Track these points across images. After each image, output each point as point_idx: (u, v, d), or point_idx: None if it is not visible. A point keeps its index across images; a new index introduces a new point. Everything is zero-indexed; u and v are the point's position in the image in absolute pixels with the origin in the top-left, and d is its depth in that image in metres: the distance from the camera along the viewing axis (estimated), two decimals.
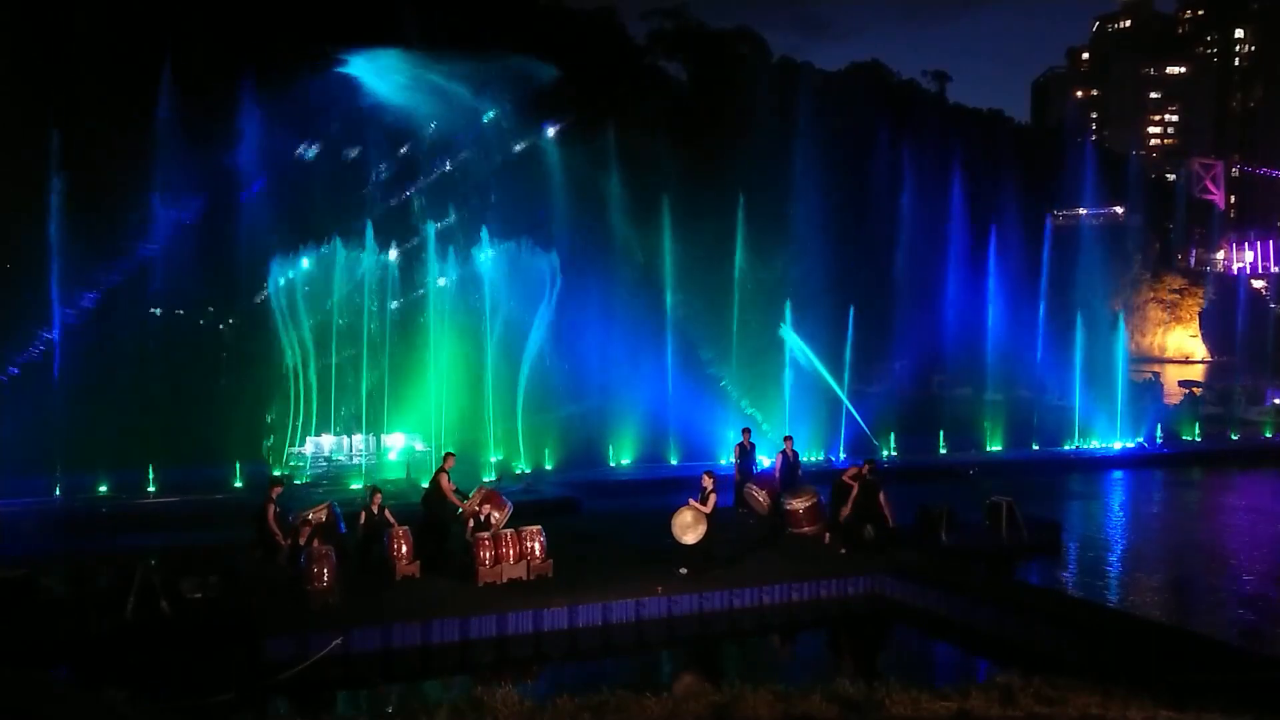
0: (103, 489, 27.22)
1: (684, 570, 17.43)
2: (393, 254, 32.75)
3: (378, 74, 37.66)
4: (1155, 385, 48.26)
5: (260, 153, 34.67)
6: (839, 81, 66.64)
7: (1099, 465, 38.26)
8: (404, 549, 17.51)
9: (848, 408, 36.32)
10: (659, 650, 16.50)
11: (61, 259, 29.31)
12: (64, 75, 33.37)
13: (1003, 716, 10.58)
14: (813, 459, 33.81)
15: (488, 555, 17.04)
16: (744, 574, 17.98)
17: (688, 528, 17.75)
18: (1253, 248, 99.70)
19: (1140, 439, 41.41)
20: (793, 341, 35.40)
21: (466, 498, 18.42)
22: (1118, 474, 37.22)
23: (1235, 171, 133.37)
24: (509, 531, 17.51)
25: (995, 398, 41.94)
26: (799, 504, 20.63)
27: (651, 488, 29.53)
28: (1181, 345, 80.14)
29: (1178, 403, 50.33)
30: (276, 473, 29.41)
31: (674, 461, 33.96)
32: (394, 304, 31.83)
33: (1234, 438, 44.89)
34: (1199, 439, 43.89)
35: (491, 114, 36.25)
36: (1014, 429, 40.19)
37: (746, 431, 25.21)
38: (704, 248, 39.10)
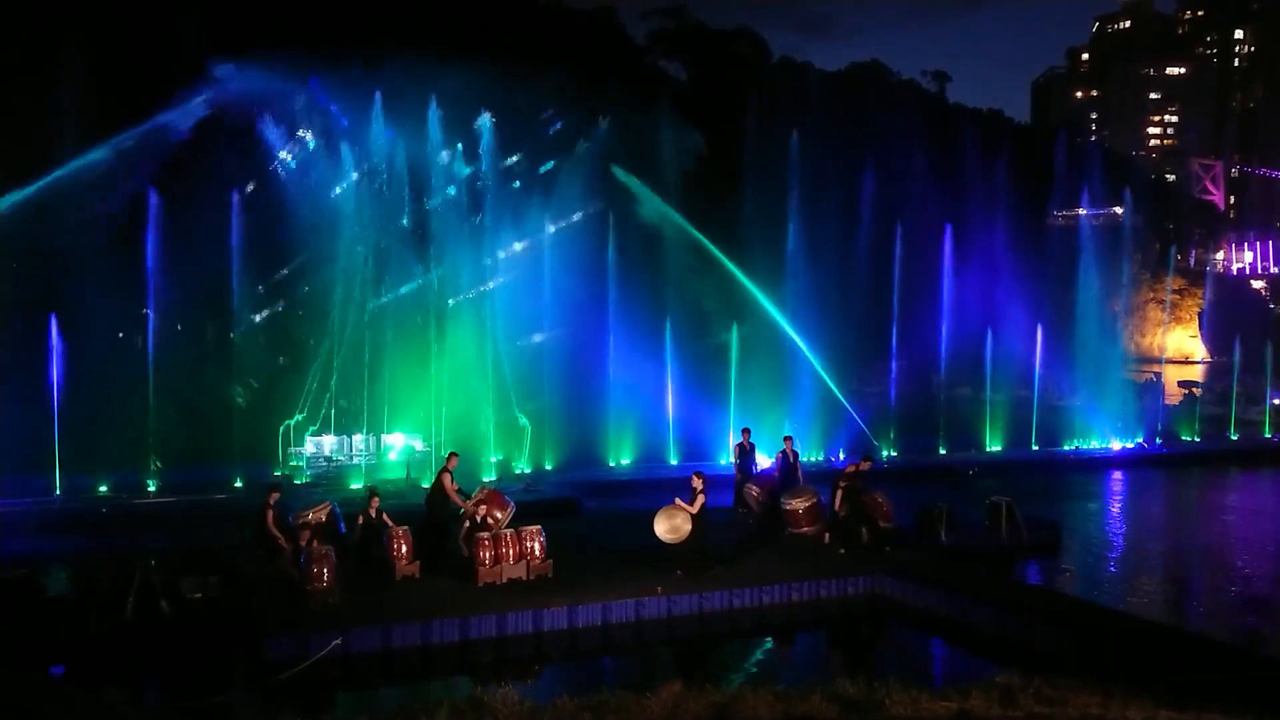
0: (103, 489, 27.23)
1: (679, 573, 17.41)
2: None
3: (377, 76, 37.65)
4: (1156, 385, 48.24)
5: (260, 160, 34.65)
6: (839, 81, 66.61)
7: (1099, 465, 38.28)
8: (404, 549, 17.51)
9: (846, 407, 36.34)
10: (659, 650, 16.51)
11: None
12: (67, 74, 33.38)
13: (1003, 716, 10.58)
14: (813, 459, 33.83)
15: (488, 555, 17.05)
16: (744, 574, 17.98)
17: (671, 529, 17.78)
18: (1253, 248, 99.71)
19: (1140, 439, 41.42)
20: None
21: (469, 497, 18.42)
22: (1117, 474, 37.24)
23: (1235, 171, 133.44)
24: (509, 532, 17.51)
25: (995, 398, 41.93)
26: (799, 504, 20.63)
27: (651, 488, 29.54)
28: (1181, 345, 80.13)
29: (1177, 403, 50.35)
30: (277, 472, 29.48)
31: (674, 461, 33.97)
32: (385, 298, 31.78)
33: (1233, 438, 44.91)
34: (1198, 439, 43.90)
35: (489, 119, 36.17)
36: (1014, 429, 40.19)
37: (746, 431, 25.20)
38: (703, 245, 39.03)
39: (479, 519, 17.70)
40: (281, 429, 30.50)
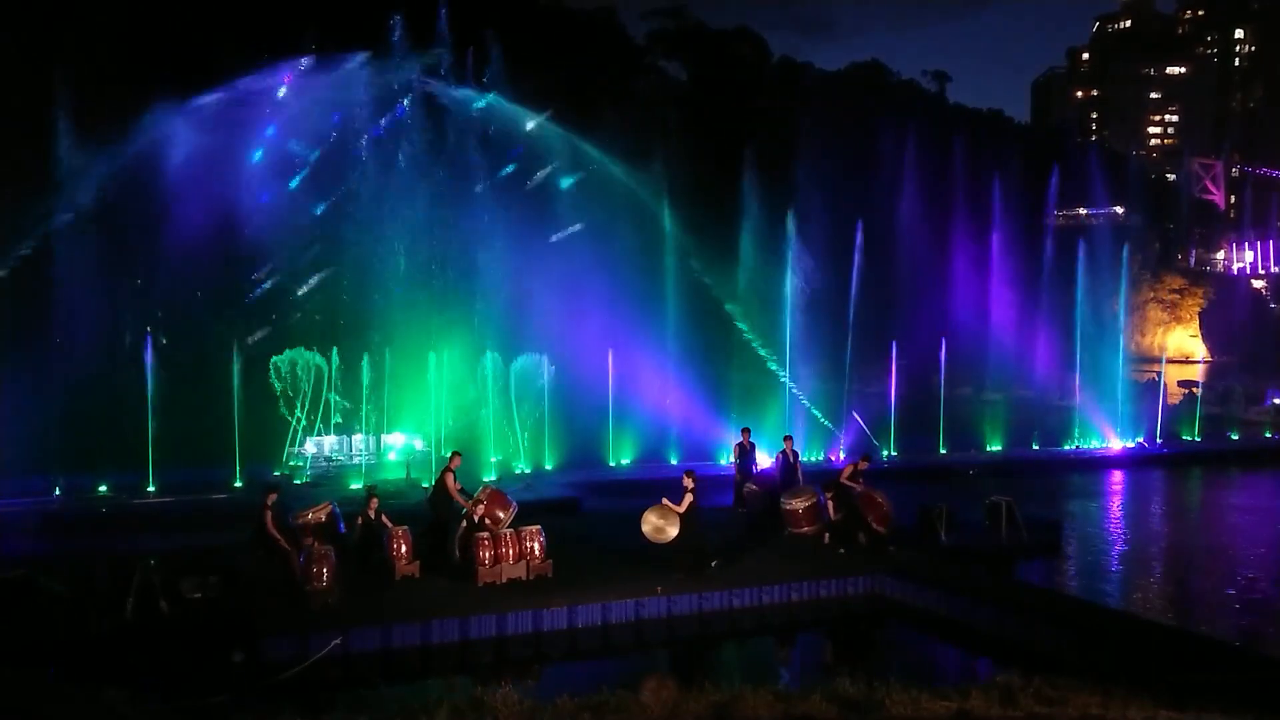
0: (103, 489, 27.21)
1: (679, 576, 17.40)
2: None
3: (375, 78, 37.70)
4: (1158, 385, 48.21)
5: (259, 160, 34.68)
6: (839, 81, 66.63)
7: (1099, 465, 38.25)
8: (404, 549, 17.51)
9: (847, 407, 36.35)
10: (658, 650, 16.50)
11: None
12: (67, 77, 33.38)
13: (1003, 716, 10.58)
14: (813, 459, 33.83)
15: (487, 555, 17.04)
16: (743, 574, 17.98)
17: (655, 529, 17.81)
18: (1253, 248, 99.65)
19: (1140, 439, 41.41)
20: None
21: (471, 497, 18.40)
22: (1117, 474, 37.22)
23: (1235, 171, 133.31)
24: (509, 531, 17.50)
25: (995, 398, 41.94)
26: (798, 504, 20.62)
27: (651, 488, 29.49)
28: (1181, 345, 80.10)
29: (1177, 402, 50.36)
30: (276, 472, 29.46)
31: (674, 461, 33.94)
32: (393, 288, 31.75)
33: (1234, 438, 44.90)
34: (1199, 439, 43.89)
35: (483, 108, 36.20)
36: (1014, 429, 40.18)
37: (746, 431, 25.19)
38: (704, 246, 39.09)
39: (476, 519, 17.68)
40: (291, 430, 30.43)
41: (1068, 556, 22.88)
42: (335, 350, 30.89)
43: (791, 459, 23.30)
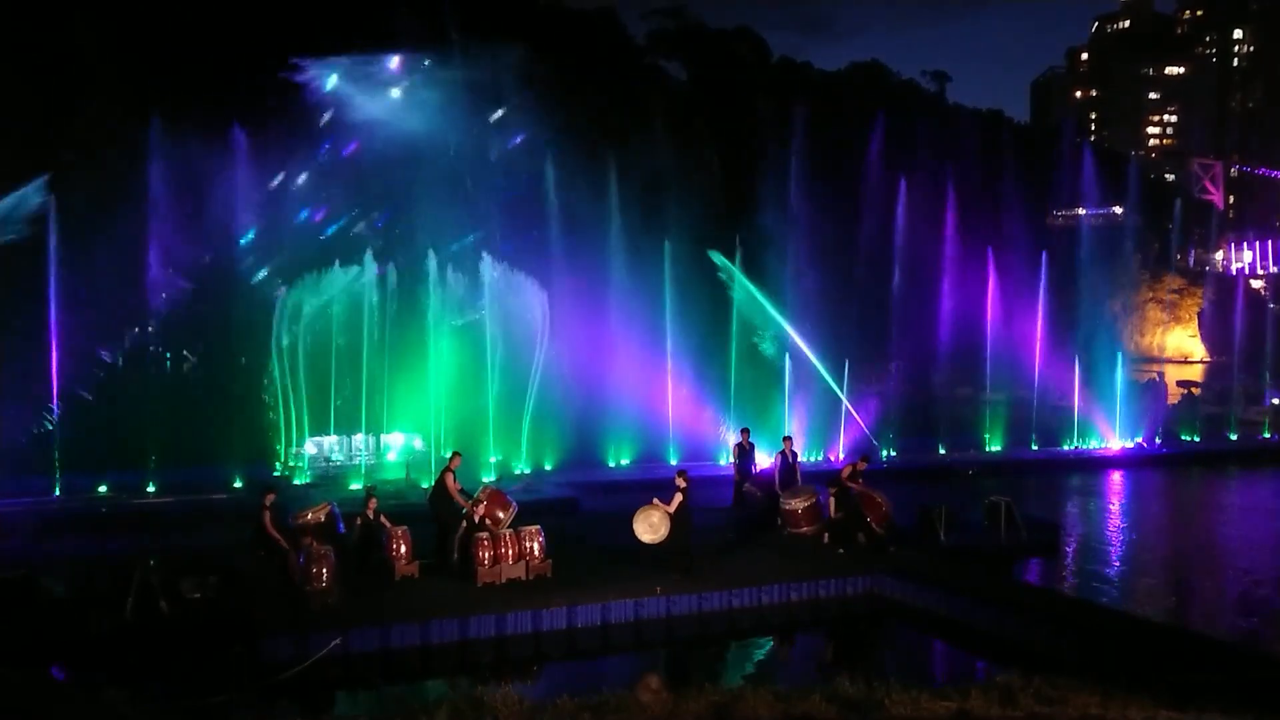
0: (103, 489, 27.22)
1: (675, 575, 17.41)
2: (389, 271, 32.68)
3: (374, 78, 37.75)
4: (1159, 385, 48.28)
5: (255, 162, 34.61)
6: (839, 81, 66.63)
7: (1098, 465, 38.27)
8: (403, 549, 17.51)
9: (848, 407, 36.34)
10: (658, 650, 16.51)
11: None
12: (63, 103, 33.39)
13: (1003, 716, 10.58)
14: (812, 459, 33.84)
15: (487, 555, 17.05)
16: (743, 574, 17.98)
17: (648, 528, 17.85)
18: (1252, 248, 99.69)
19: (1139, 439, 41.42)
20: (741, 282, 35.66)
21: (471, 497, 18.39)
22: (1117, 474, 37.23)
23: (1235, 171, 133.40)
24: (508, 532, 17.50)
25: (995, 398, 41.94)
26: (798, 504, 20.64)
27: (651, 488, 29.46)
28: (1181, 345, 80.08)
29: (1176, 402, 50.38)
30: (276, 472, 29.47)
31: (673, 461, 33.93)
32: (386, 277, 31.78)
33: (1233, 438, 44.92)
34: (1198, 439, 43.90)
35: (493, 116, 36.28)
36: (1014, 429, 40.19)
37: (745, 432, 25.20)
38: (705, 246, 39.08)
39: (476, 519, 17.68)
40: (290, 432, 30.44)
41: (1067, 556, 22.88)
42: (334, 351, 30.93)
43: (791, 459, 23.29)
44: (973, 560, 19.70)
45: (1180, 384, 56.58)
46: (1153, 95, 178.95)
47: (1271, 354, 50.25)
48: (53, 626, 15.25)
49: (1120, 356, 43.66)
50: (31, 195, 27.98)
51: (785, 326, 36.64)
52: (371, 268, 31.29)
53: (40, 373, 28.60)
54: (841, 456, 34.30)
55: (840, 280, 40.77)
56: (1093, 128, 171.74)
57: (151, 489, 27.54)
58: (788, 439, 23.79)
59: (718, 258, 36.15)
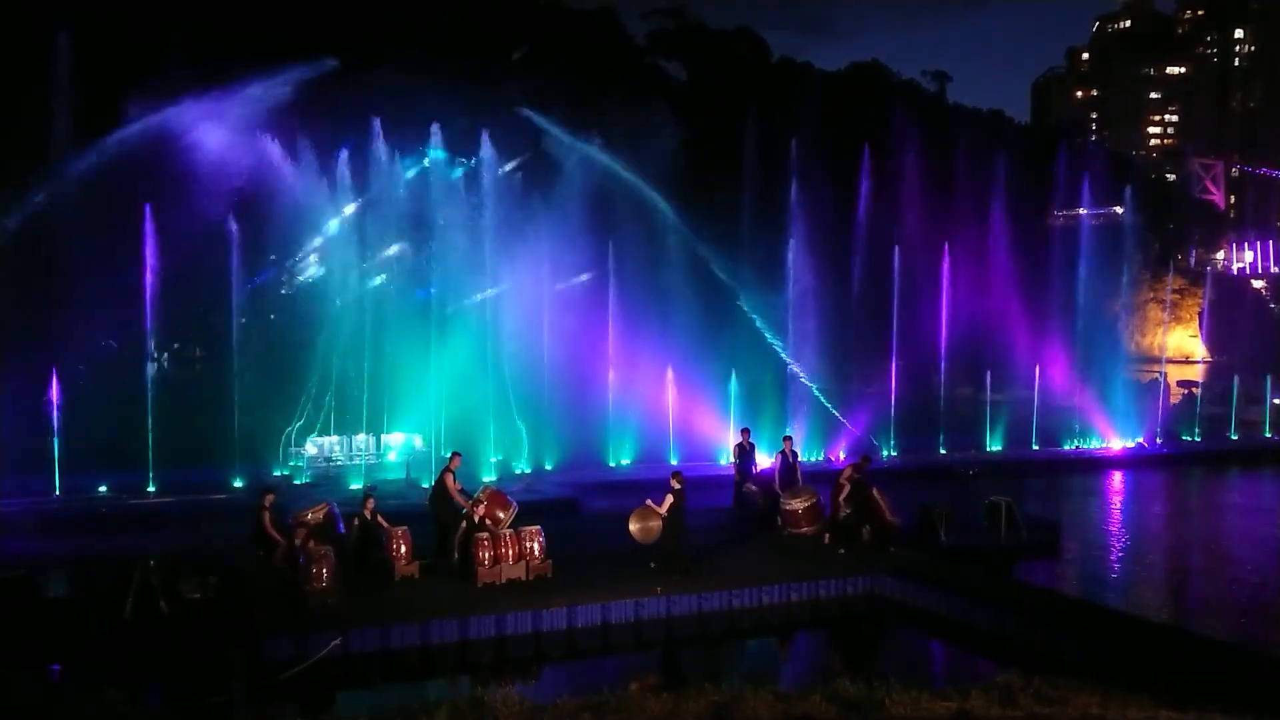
0: (103, 489, 27.22)
1: (675, 577, 17.43)
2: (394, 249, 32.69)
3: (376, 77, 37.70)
4: (1160, 385, 48.23)
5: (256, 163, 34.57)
6: (839, 81, 66.56)
7: (1098, 465, 38.27)
8: (403, 549, 17.51)
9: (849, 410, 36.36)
10: (658, 650, 16.50)
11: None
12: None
13: (1003, 716, 10.57)
14: (812, 459, 33.83)
15: (487, 555, 17.05)
16: (743, 574, 17.98)
17: (643, 529, 18.00)
18: (1253, 248, 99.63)
19: (1140, 439, 41.42)
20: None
21: (471, 497, 18.39)
22: (1117, 474, 37.24)
23: (1235, 171, 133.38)
24: (508, 532, 17.50)
25: (995, 398, 41.92)
26: (798, 504, 20.64)
27: (651, 488, 29.45)
28: (1181, 345, 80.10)
29: (1176, 402, 50.40)
30: (276, 472, 29.47)
31: (674, 461, 33.93)
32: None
33: (1233, 438, 44.91)
34: (1198, 439, 43.90)
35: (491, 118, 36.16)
36: (1014, 429, 40.18)
37: (745, 432, 25.19)
38: (704, 246, 39.07)
39: (476, 519, 17.69)
40: (283, 436, 30.44)
41: (1067, 556, 22.88)
42: (333, 354, 30.96)
43: (791, 459, 23.29)
44: (973, 560, 19.71)
45: (1180, 384, 56.61)
46: (1153, 95, 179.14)
47: (1272, 354, 50.19)
48: (53, 626, 15.25)
49: (1121, 356, 43.65)
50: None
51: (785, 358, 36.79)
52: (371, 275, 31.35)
53: (40, 372, 28.60)
54: (842, 456, 34.30)
55: (840, 280, 40.71)
56: (1093, 128, 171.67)
57: (151, 489, 27.55)
58: (788, 439, 23.79)
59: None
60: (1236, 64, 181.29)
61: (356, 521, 18.23)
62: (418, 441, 31.22)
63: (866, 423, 36.82)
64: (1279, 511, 31.02)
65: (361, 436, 30.69)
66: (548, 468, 32.58)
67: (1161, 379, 48.16)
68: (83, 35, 32.24)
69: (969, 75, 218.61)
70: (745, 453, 24.45)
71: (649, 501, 18.26)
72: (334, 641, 14.49)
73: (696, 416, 35.73)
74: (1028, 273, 44.79)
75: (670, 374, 35.36)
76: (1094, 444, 40.78)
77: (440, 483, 19.05)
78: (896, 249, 39.94)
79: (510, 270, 33.93)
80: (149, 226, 29.48)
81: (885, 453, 35.93)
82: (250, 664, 14.41)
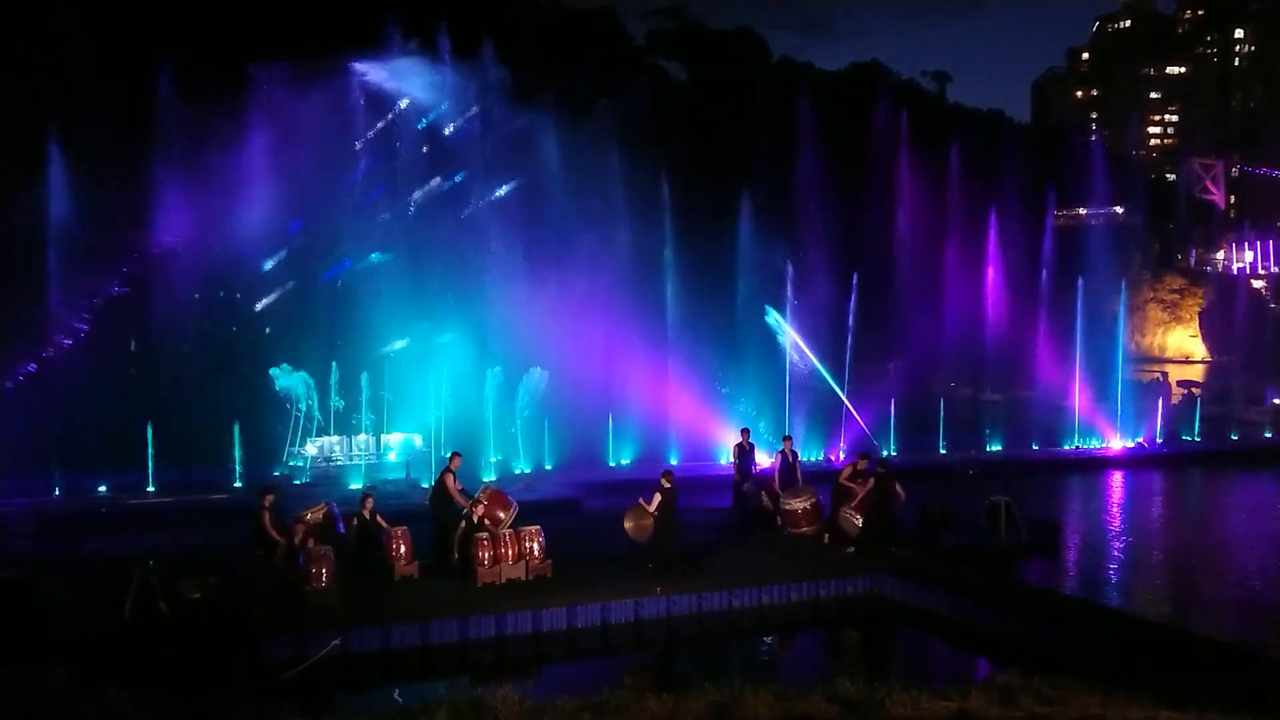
0: (103, 489, 27.22)
1: (678, 576, 17.46)
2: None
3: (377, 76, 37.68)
4: (1162, 385, 48.27)
5: (260, 158, 34.57)
6: (839, 81, 66.54)
7: (1098, 465, 38.28)
8: (403, 549, 17.50)
9: (848, 407, 36.34)
10: (658, 650, 16.49)
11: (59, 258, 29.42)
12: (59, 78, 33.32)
13: (1003, 716, 10.56)
14: (812, 459, 33.84)
15: (486, 555, 17.04)
16: (743, 574, 17.97)
17: (637, 528, 18.15)
18: (1253, 248, 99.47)
19: (1140, 439, 41.42)
20: (776, 323, 35.78)
21: (472, 498, 18.38)
22: (1117, 474, 37.24)
23: (1235, 171, 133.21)
24: (508, 532, 17.49)
25: (995, 398, 41.95)
26: (798, 504, 20.66)
27: (652, 488, 29.42)
28: (1181, 345, 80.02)
29: (1176, 402, 50.41)
30: (277, 472, 29.47)
31: (674, 461, 33.94)
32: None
33: (1234, 438, 44.91)
34: (1198, 439, 43.91)
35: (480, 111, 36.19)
36: (1014, 429, 40.19)
37: (745, 432, 25.18)
38: (704, 247, 39.11)
39: (475, 519, 17.68)
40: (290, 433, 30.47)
41: (1067, 556, 22.89)
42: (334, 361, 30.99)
43: (791, 459, 23.29)
44: (973, 560, 19.70)
45: (1180, 384, 56.63)
46: (1153, 95, 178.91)
47: (1272, 354, 50.20)
48: (53, 626, 15.24)
49: (1121, 356, 43.66)
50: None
51: (810, 357, 36.68)
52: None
53: (40, 372, 28.62)
54: (842, 456, 34.32)
55: (840, 280, 40.73)
56: (1093, 128, 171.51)
57: (151, 489, 27.55)
58: (787, 439, 23.78)
59: (771, 317, 36.53)
60: (1236, 64, 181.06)
61: (356, 521, 18.22)
62: (417, 440, 31.24)
63: (866, 422, 36.84)
64: (1278, 511, 31.01)
65: (362, 436, 30.71)
66: (548, 468, 32.58)
67: (1162, 379, 48.20)
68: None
69: (969, 75, 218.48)
70: (745, 453, 24.43)
71: (641, 500, 18.35)
72: (334, 641, 14.48)
73: (696, 416, 35.74)
74: (1028, 273, 44.82)
75: (670, 374, 35.38)
76: (1094, 444, 40.78)
77: (440, 483, 19.03)
78: (896, 249, 39.98)
79: (511, 271, 33.94)
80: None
81: (885, 453, 35.94)
82: (250, 664, 14.40)
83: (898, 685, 11.52)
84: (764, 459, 27.44)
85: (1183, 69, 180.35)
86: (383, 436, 31.14)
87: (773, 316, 36.72)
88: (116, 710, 10.78)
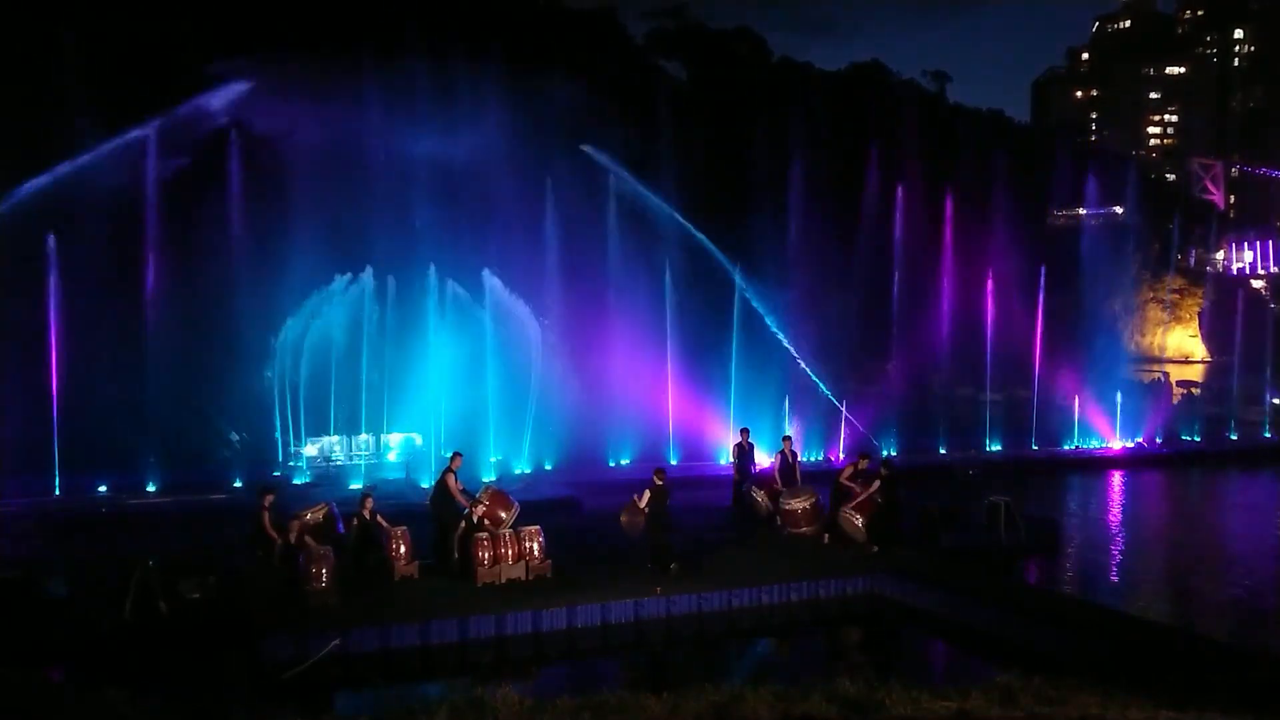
0: (103, 489, 27.21)
1: (675, 572, 17.48)
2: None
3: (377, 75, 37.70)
4: (1163, 385, 48.30)
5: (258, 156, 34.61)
6: (839, 81, 66.58)
7: (1098, 465, 38.28)
8: (403, 549, 17.50)
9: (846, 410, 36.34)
10: (658, 650, 16.49)
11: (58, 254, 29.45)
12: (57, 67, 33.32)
13: (1003, 716, 10.55)
14: (812, 459, 33.84)
15: (486, 555, 17.04)
16: (743, 574, 17.97)
17: (630, 524, 18.34)
18: (1252, 248, 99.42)
19: (1140, 439, 41.42)
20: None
21: (473, 498, 18.38)
22: (1117, 474, 37.24)
23: (1235, 171, 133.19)
24: (508, 532, 17.49)
25: (995, 398, 41.97)
26: (798, 504, 20.66)
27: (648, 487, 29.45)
28: (1181, 345, 80.00)
29: (1176, 402, 50.44)
30: (276, 472, 29.49)
31: (673, 461, 33.96)
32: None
33: (1233, 438, 44.91)
34: (1198, 439, 43.91)
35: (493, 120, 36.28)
36: (1014, 429, 40.19)
37: (745, 431, 25.17)
38: (705, 245, 39.08)
39: (475, 519, 17.68)
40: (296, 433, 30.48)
41: (1067, 556, 22.89)
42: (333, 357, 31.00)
43: (791, 459, 23.29)
44: (973, 560, 19.70)
45: (1180, 384, 56.66)
46: (1153, 95, 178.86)
47: (1272, 354, 50.21)
48: (53, 626, 15.24)
49: (1121, 356, 43.69)
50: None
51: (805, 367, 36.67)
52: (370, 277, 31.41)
53: (40, 371, 28.62)
54: (842, 456, 34.32)
55: (840, 280, 40.76)
56: (1093, 128, 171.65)
57: (151, 489, 27.55)
58: (787, 439, 23.79)
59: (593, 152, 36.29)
60: (1236, 64, 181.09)
61: (356, 521, 18.21)
62: (417, 439, 31.25)
63: (867, 422, 36.86)
64: (1278, 511, 31.02)
65: (363, 436, 30.71)
66: (548, 468, 32.58)
67: (1163, 379, 48.23)
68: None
69: (969, 75, 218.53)
70: (745, 453, 24.43)
71: (635, 496, 18.52)
72: (334, 641, 14.48)
73: (697, 416, 35.75)
74: (1028, 272, 44.81)
75: (670, 374, 35.39)
76: (1094, 444, 40.79)
77: (442, 483, 19.01)
78: (896, 249, 39.98)
79: (511, 272, 33.93)
80: None
81: (885, 453, 35.94)
82: (250, 664, 14.40)
83: (898, 685, 11.50)
84: (764, 459, 27.43)
85: (1183, 69, 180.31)
86: (383, 436, 31.14)
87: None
88: (116, 710, 10.78)
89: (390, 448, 31.05)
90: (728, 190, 44.12)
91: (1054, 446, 39.95)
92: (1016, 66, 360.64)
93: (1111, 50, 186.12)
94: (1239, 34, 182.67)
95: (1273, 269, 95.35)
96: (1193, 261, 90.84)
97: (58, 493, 26.75)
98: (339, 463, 30.03)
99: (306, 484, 28.42)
